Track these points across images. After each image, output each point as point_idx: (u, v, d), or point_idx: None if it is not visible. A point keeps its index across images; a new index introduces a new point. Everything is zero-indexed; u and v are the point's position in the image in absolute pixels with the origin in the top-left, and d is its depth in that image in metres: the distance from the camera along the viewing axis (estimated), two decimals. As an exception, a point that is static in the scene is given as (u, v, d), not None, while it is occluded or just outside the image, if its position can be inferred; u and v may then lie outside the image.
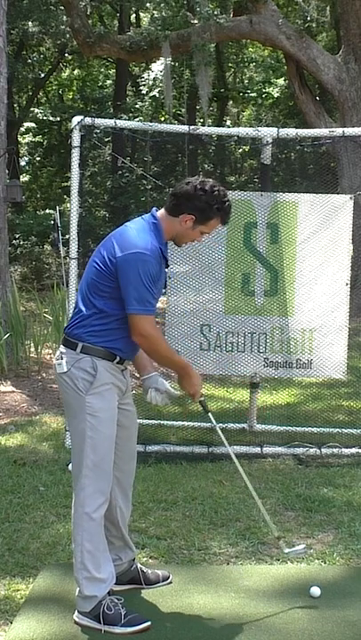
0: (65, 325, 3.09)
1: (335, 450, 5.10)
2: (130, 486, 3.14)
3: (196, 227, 2.94)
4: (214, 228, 3.01)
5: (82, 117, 5.04)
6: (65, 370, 2.88)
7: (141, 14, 21.00)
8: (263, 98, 22.88)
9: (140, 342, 2.89)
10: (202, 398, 3.11)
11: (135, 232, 2.88)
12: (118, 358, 2.91)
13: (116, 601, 2.89)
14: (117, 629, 2.83)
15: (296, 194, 5.14)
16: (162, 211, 2.97)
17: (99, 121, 5.14)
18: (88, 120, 5.04)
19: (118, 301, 2.86)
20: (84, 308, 2.92)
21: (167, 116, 18.78)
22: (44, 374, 7.54)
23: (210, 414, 3.17)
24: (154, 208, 3.01)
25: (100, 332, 2.88)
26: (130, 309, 2.83)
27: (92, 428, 2.84)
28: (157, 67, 16.98)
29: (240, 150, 21.34)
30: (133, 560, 3.20)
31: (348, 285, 5.08)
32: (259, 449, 5.10)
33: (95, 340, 2.87)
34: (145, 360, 3.11)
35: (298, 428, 5.34)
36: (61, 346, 2.96)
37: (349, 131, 5.80)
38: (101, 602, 2.85)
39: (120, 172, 17.19)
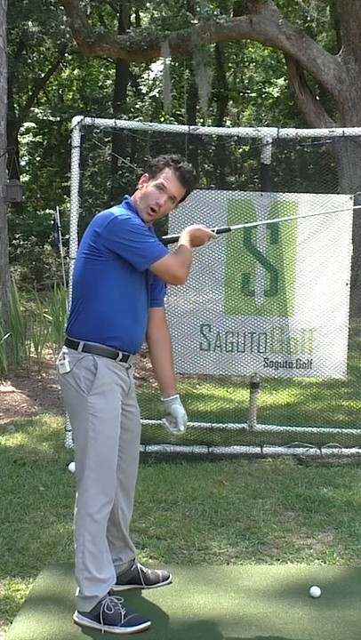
0: (65, 325, 3.09)
1: (335, 450, 5.10)
2: (132, 488, 3.14)
3: (150, 183, 2.96)
4: (171, 180, 2.94)
5: (82, 117, 5.03)
6: (68, 370, 2.88)
7: (141, 14, 20.98)
8: (263, 98, 22.88)
9: (180, 279, 2.95)
10: (214, 232, 3.21)
11: (108, 210, 2.96)
12: (121, 355, 2.90)
13: (115, 601, 2.89)
14: (117, 629, 2.82)
15: (296, 194, 5.14)
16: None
17: (99, 121, 5.14)
18: (88, 120, 5.03)
19: (109, 283, 2.86)
20: (78, 303, 2.93)
21: (167, 117, 18.79)
22: (44, 374, 7.54)
23: (231, 228, 3.46)
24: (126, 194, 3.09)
25: (97, 325, 2.87)
26: (147, 263, 2.85)
27: (93, 428, 2.83)
28: (157, 67, 17.01)
29: (240, 150, 21.33)
30: (133, 560, 3.20)
31: (348, 285, 5.08)
32: (259, 449, 5.10)
33: (95, 336, 2.86)
34: (168, 379, 3.09)
35: (298, 428, 5.34)
36: (64, 346, 2.97)
37: (349, 131, 5.80)
38: (101, 602, 2.85)
39: (120, 172, 17.18)
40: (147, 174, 3.00)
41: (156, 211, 2.95)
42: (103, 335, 2.87)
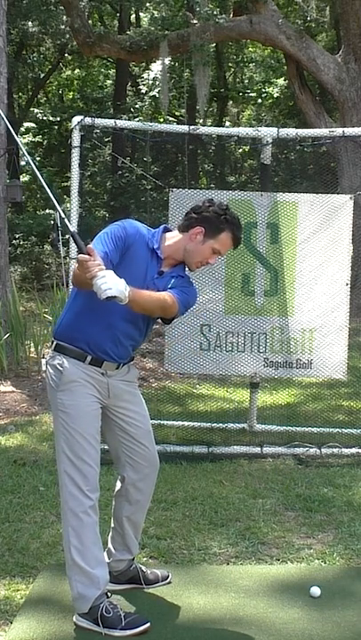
0: None
1: (335, 450, 5.10)
2: (148, 489, 3.12)
3: (206, 241, 2.92)
4: (226, 246, 2.95)
5: (82, 117, 5.03)
6: (43, 368, 3.00)
7: (141, 14, 20.97)
8: (263, 98, 22.86)
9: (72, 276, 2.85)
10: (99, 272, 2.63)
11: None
12: (90, 358, 2.88)
13: (114, 603, 2.88)
14: (117, 632, 2.81)
15: (296, 194, 5.14)
16: (174, 231, 3.01)
17: (99, 121, 5.13)
18: (88, 120, 5.03)
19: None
20: (66, 306, 2.98)
21: (164, 116, 18.78)
22: (44, 374, 7.53)
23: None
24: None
25: (68, 323, 2.91)
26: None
27: (64, 424, 2.86)
28: (157, 67, 16.96)
29: (240, 150, 21.32)
30: (133, 560, 3.20)
31: (349, 285, 5.08)
32: (259, 449, 5.10)
33: (65, 335, 2.90)
34: None
35: (298, 428, 5.34)
36: None
37: (349, 131, 5.80)
38: (99, 605, 2.83)
39: (120, 172, 17.19)
40: (203, 227, 2.91)
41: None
42: (71, 335, 2.89)
